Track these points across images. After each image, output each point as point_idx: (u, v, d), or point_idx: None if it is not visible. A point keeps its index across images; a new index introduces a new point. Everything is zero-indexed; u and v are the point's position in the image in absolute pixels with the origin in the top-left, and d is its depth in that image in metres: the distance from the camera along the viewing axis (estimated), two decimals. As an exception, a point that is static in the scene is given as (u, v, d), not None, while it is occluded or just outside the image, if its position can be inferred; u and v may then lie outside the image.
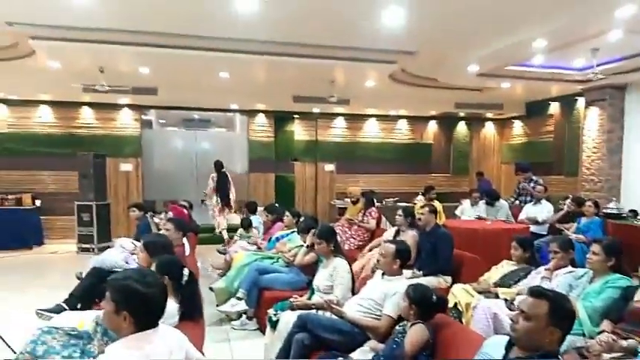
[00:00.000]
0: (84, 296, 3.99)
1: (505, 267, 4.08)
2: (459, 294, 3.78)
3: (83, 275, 4.98)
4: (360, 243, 6.66)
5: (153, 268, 2.82)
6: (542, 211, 7.13)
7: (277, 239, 5.57)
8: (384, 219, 7.96)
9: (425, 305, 2.55)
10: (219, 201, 9.20)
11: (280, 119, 11.09)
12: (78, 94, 8.72)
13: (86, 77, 7.57)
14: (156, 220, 5.76)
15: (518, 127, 11.67)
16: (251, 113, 10.87)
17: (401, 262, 3.20)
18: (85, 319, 2.95)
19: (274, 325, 3.48)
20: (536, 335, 1.79)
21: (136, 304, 1.81)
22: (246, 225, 6.49)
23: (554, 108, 10.38)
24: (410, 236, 4.92)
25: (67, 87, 8.20)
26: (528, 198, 7.84)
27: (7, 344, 3.79)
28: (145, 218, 6.21)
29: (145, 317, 1.83)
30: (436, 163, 12.14)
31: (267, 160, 10.99)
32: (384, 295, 3.07)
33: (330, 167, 11.37)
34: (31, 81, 8.33)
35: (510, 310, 3.43)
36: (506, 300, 3.59)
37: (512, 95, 10.11)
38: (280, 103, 10.17)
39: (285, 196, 10.83)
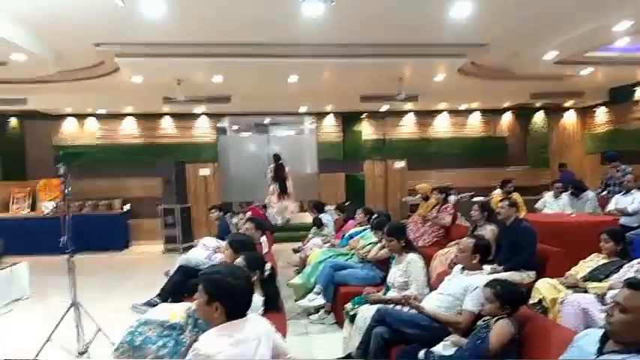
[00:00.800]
0: (173, 291, 4.27)
1: (594, 260, 3.86)
2: (544, 289, 3.64)
3: (171, 273, 5.32)
4: (435, 239, 6.52)
5: (236, 263, 2.97)
6: (633, 201, 6.65)
7: (350, 236, 5.63)
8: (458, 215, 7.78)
9: (516, 302, 2.50)
10: (277, 188, 9.79)
11: (348, 119, 11.16)
12: (158, 106, 9.28)
13: (165, 89, 8.05)
14: (234, 220, 6.02)
15: (601, 114, 10.96)
16: (320, 115, 11.04)
17: (480, 256, 3.14)
18: (176, 311, 3.17)
19: (352, 319, 3.53)
20: (634, 329, 1.70)
21: (226, 295, 1.94)
22: (319, 224, 6.60)
23: (641, 93, 9.65)
24: (488, 231, 4.80)
25: (149, 99, 8.77)
26: (617, 189, 7.34)
27: (106, 337, 4.13)
28: (224, 218, 6.51)
29: (235, 307, 1.96)
30: (512, 156, 11.68)
31: (336, 160, 11.09)
32: (464, 290, 3.02)
33: (400, 164, 11.26)
34: (116, 95, 8.99)
35: (602, 305, 3.26)
36: (597, 295, 3.40)
37: (594, 82, 9.50)
38: (348, 104, 10.25)
39: (356, 195, 10.85)
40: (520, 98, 10.47)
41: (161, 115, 10.47)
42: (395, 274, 3.66)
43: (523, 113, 11.63)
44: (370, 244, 4.91)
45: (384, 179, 11.29)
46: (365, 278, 4.49)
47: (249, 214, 5.52)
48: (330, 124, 11.12)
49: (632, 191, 6.76)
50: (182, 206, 9.29)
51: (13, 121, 10.25)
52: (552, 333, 2.37)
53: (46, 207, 9.64)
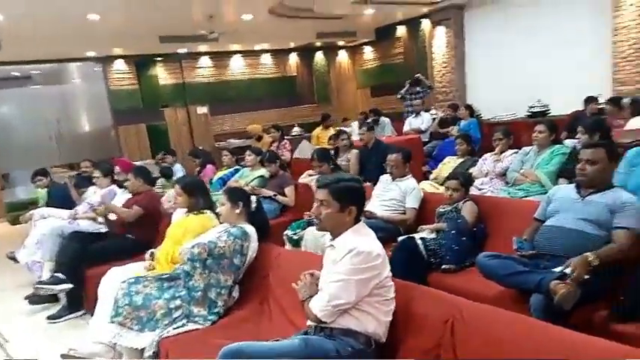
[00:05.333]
0: (74, 260, 3.63)
1: (452, 162, 4.82)
2: (428, 188, 4.42)
3: (16, 255, 4.45)
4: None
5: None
6: (423, 121, 8.21)
7: (222, 179, 5.56)
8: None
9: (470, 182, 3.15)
10: None
11: (141, 64, 10.28)
12: None
13: None
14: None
15: (368, 52, 12.62)
16: (108, 60, 9.85)
17: (408, 163, 3.68)
18: (136, 271, 2.88)
19: (296, 243, 3.72)
20: (601, 173, 2.45)
21: (357, 198, 2.01)
22: (169, 174, 6.20)
23: (401, 31, 11.46)
24: (353, 154, 5.44)
25: None
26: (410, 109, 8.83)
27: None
28: (57, 183, 5.58)
29: (362, 208, 2.05)
30: (301, 95, 12.60)
31: (134, 110, 10.20)
32: (404, 193, 3.55)
33: (203, 110, 11.04)
34: None
35: (478, 190, 4.20)
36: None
37: (364, 22, 10.80)
38: (142, 46, 9.44)
39: (160, 146, 10.22)
40: (306, 38, 11.28)
41: None
42: (327, 195, 3.93)
43: (306, 53, 12.56)
44: (256, 178, 4.99)
45: (188, 126, 10.94)
46: (271, 210, 4.58)
47: (117, 168, 4.82)
48: (120, 69, 10.05)
49: (420, 113, 8.33)
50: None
51: None
52: (506, 205, 3.09)
53: None
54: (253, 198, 2.86)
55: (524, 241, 2.48)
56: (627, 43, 7.05)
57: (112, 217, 4.12)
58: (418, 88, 8.95)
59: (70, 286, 3.53)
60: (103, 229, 4.09)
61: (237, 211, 2.76)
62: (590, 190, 2.48)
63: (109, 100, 10.03)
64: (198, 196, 3.08)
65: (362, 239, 1.91)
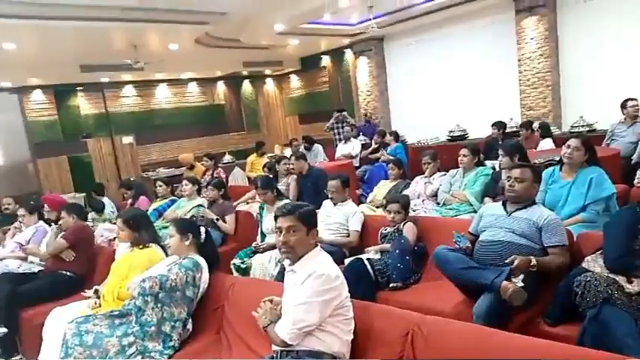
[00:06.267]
0: (8, 303, 3.40)
1: (387, 185, 5.07)
2: (367, 211, 4.62)
3: None
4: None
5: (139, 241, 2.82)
6: (354, 147, 8.52)
7: (158, 211, 5.43)
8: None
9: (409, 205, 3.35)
10: None
11: (61, 94, 9.83)
12: None
13: None
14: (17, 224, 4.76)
15: (295, 81, 12.91)
16: (24, 90, 9.34)
17: (348, 188, 3.85)
18: (81, 309, 2.80)
19: (244, 271, 3.73)
20: (528, 190, 2.72)
21: (317, 221, 2.13)
22: (100, 208, 5.94)
23: (326, 61, 11.87)
24: (293, 180, 5.56)
25: None
26: (340, 137, 9.13)
27: None
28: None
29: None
30: (230, 123, 12.60)
31: (54, 142, 9.71)
32: (346, 217, 3.69)
33: (128, 139, 10.70)
34: None
35: (412, 210, 4.45)
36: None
37: (289, 52, 11.07)
38: (61, 76, 9.08)
39: (84, 179, 9.82)
40: (234, 67, 11.35)
41: None
42: (271, 222, 3.98)
43: (234, 82, 12.62)
44: (194, 208, 4.93)
45: (113, 157, 10.54)
46: (216, 239, 4.53)
47: (45, 207, 4.53)
48: (39, 99, 9.56)
49: (350, 139, 8.65)
50: None
51: None
52: (437, 225, 3.32)
53: None
54: (202, 229, 2.87)
55: (462, 235, 2.70)
56: (531, 72, 7.83)
57: (34, 258, 3.96)
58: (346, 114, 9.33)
59: (4, 330, 3.31)
60: (35, 268, 3.87)
61: (187, 242, 2.76)
62: (516, 206, 2.75)
63: (27, 132, 9.49)
64: (142, 230, 3.04)
65: (320, 262, 2.02)
